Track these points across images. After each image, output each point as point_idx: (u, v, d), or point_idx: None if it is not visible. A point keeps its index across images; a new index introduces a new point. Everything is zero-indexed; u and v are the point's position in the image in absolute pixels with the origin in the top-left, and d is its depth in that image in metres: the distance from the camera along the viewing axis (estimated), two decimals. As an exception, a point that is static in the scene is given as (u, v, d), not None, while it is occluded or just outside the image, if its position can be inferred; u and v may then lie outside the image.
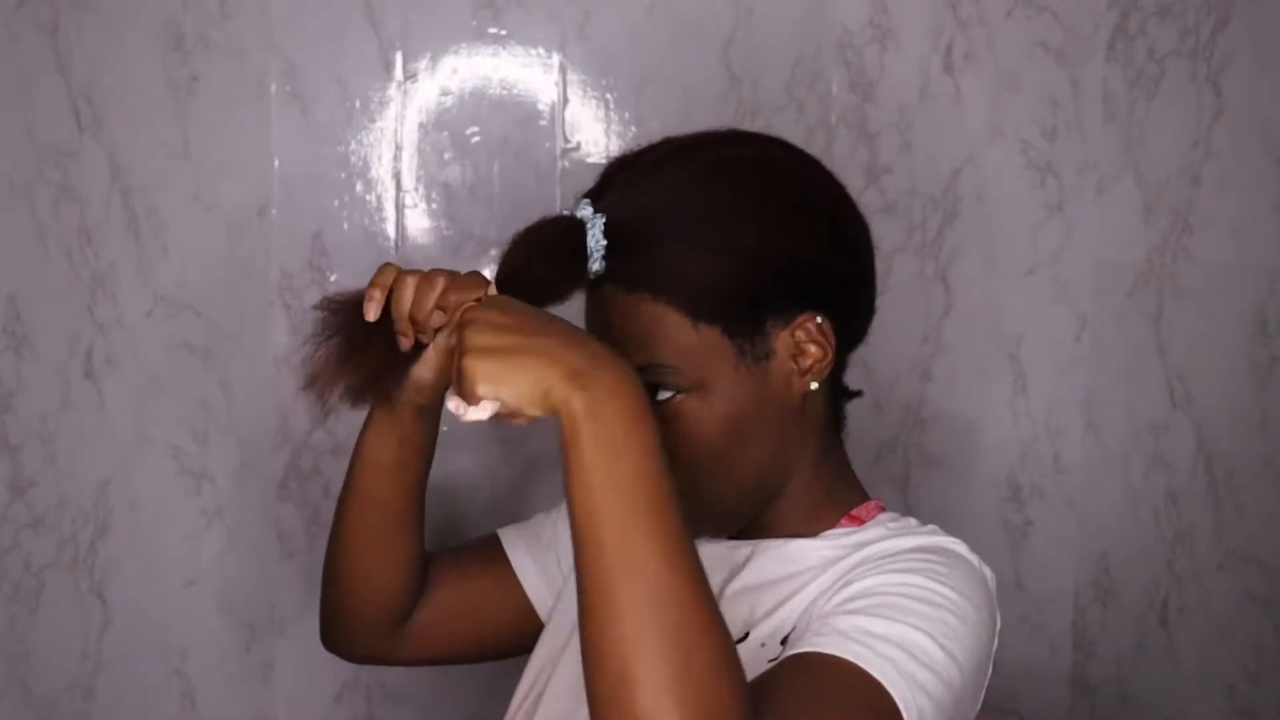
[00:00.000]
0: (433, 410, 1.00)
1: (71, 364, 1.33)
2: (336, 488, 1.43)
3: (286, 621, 1.44)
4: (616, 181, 0.92)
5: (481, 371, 0.79)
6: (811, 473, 0.96)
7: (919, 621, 0.83)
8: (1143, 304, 1.49)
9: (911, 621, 0.83)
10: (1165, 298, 1.46)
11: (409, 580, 1.07)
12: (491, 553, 1.12)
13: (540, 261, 0.88)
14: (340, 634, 1.10)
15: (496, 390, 0.78)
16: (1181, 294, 1.45)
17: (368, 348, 0.90)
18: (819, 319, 0.91)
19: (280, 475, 1.43)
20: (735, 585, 0.95)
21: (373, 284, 0.91)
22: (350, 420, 1.44)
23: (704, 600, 0.75)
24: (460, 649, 1.12)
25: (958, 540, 0.93)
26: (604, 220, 0.88)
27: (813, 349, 0.91)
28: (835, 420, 0.98)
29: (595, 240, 0.88)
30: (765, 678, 0.82)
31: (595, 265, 0.89)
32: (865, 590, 0.86)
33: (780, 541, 0.95)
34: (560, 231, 0.89)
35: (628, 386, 0.78)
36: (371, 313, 0.90)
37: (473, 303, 0.85)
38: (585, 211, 0.89)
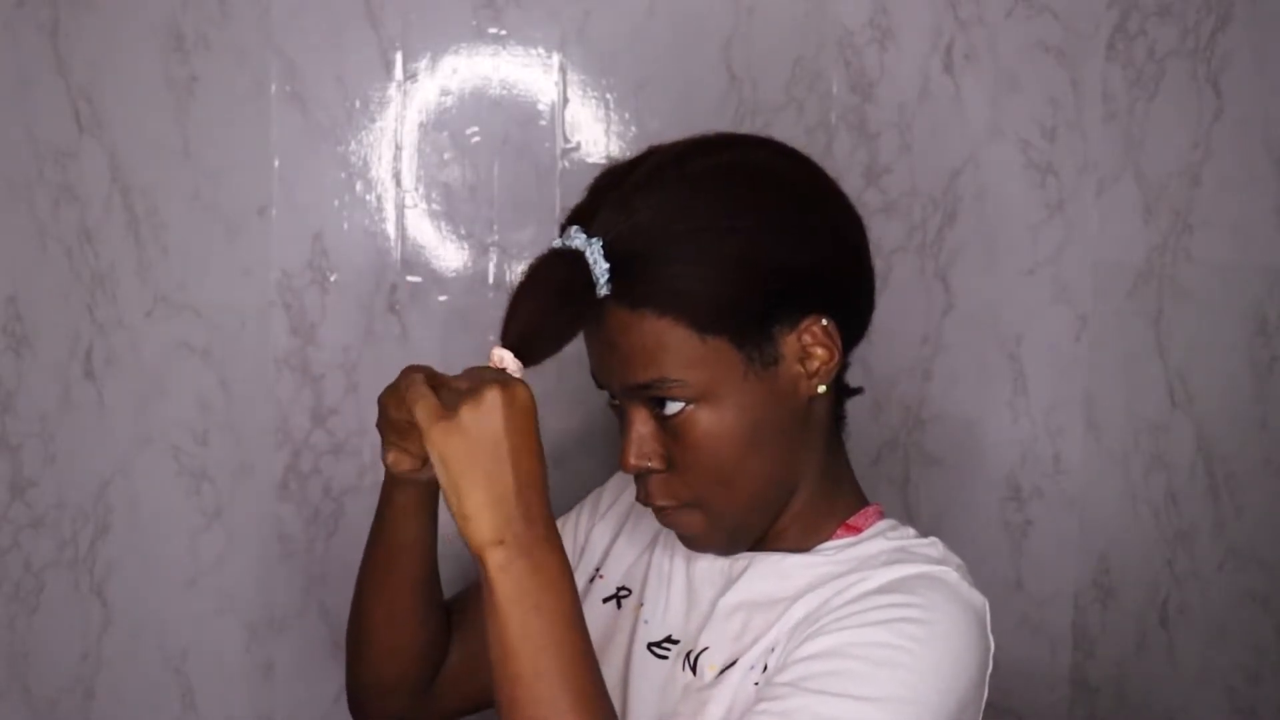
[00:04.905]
0: None
1: (71, 364, 1.33)
2: (337, 488, 1.45)
3: (286, 621, 1.44)
4: (607, 200, 0.90)
5: (443, 444, 0.80)
6: (817, 477, 0.95)
7: (874, 690, 0.82)
8: (1143, 304, 1.49)
9: (867, 692, 0.82)
10: (1165, 298, 1.46)
11: (436, 642, 1.08)
12: None
13: (554, 311, 0.86)
14: (373, 704, 1.10)
15: (440, 457, 0.80)
16: (1181, 294, 1.45)
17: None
18: (824, 321, 0.90)
19: (280, 475, 1.43)
20: (729, 599, 0.94)
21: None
22: (351, 420, 1.44)
23: None
24: (490, 693, 1.12)
25: (950, 567, 0.91)
26: (601, 243, 0.86)
27: (819, 351, 0.90)
28: (837, 420, 0.98)
29: (598, 265, 0.86)
30: None
31: (602, 291, 0.87)
32: (827, 650, 0.85)
33: (777, 556, 0.94)
34: (563, 272, 0.87)
35: (546, 545, 0.81)
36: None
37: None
38: (579, 239, 0.87)
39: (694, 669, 0.94)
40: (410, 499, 1.00)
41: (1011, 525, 1.58)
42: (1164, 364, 1.46)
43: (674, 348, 0.87)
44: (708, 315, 0.87)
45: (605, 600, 1.04)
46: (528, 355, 0.86)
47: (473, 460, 0.80)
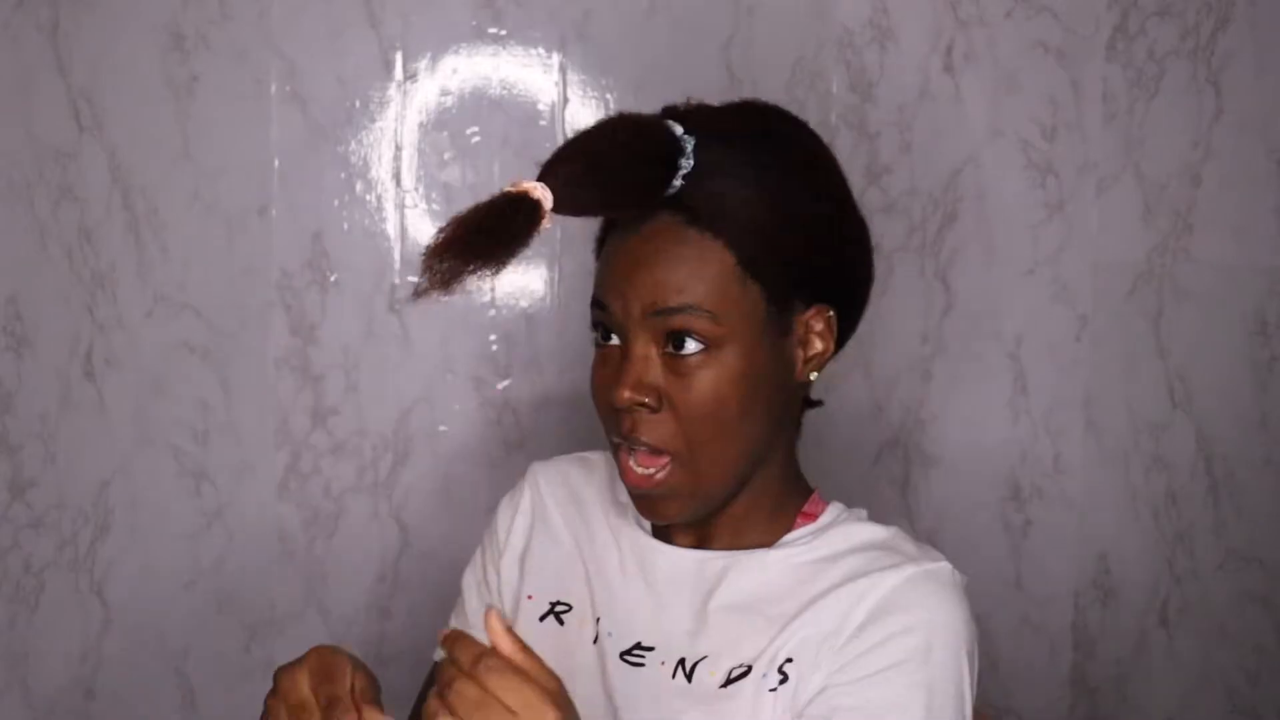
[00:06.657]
0: None
1: (71, 364, 1.33)
2: (337, 488, 1.45)
3: (286, 621, 1.44)
4: (701, 112, 0.91)
5: None
6: (782, 463, 0.96)
7: None
8: (1143, 304, 1.49)
9: None
10: (1165, 298, 1.46)
11: None
12: (460, 611, 1.08)
13: (630, 159, 0.85)
14: None
15: None
16: (1181, 294, 1.45)
17: None
18: (830, 313, 0.92)
19: (280, 475, 1.43)
20: (718, 602, 0.94)
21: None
22: (351, 420, 1.44)
23: None
24: None
25: (931, 552, 0.92)
26: (695, 140, 0.87)
27: (818, 342, 0.92)
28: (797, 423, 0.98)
29: (687, 159, 0.86)
30: None
31: (676, 182, 0.86)
32: (855, 707, 0.85)
33: (749, 553, 0.94)
34: (654, 139, 0.86)
35: None
36: None
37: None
38: (678, 129, 0.87)
39: (689, 676, 0.93)
40: None
41: (1011, 525, 1.58)
42: (1164, 364, 1.46)
43: (712, 278, 0.87)
44: (758, 255, 0.87)
45: (542, 619, 1.01)
46: (566, 197, 0.82)
47: None
